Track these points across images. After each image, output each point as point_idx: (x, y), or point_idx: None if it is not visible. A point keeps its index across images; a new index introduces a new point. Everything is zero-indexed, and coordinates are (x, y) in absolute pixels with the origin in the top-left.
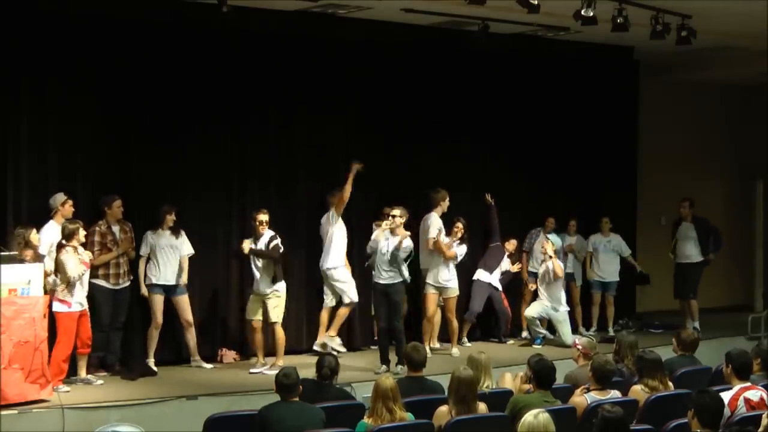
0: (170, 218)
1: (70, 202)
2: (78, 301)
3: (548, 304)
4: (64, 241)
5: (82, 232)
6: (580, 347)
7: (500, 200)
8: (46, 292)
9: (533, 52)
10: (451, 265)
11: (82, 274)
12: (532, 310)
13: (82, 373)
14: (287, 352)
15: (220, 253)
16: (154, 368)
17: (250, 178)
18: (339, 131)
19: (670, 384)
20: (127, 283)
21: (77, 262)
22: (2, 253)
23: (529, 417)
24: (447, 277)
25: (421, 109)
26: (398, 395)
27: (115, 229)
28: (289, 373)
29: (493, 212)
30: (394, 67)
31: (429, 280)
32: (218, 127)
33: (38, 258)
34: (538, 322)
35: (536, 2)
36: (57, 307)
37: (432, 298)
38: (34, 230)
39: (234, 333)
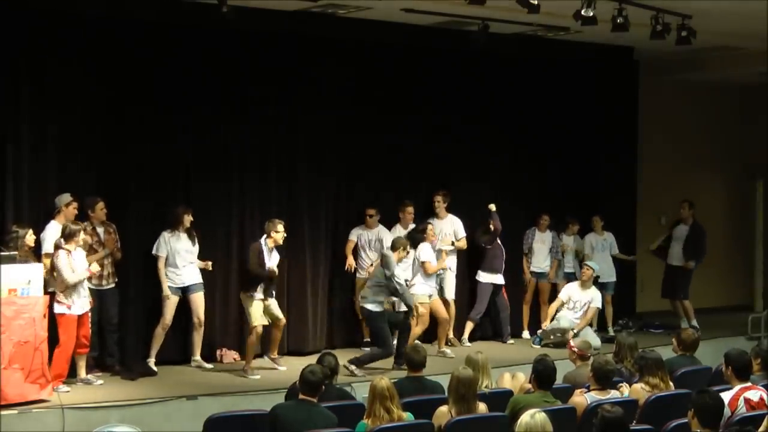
0: (188, 218)
1: (75, 204)
2: (79, 303)
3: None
4: (62, 241)
5: (82, 236)
6: (575, 349)
7: (500, 200)
8: (46, 292)
9: (533, 52)
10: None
11: (81, 280)
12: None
13: (82, 373)
14: (292, 353)
15: (220, 253)
16: (155, 368)
17: (251, 178)
18: (339, 131)
19: (671, 383)
20: (112, 285)
21: (71, 267)
22: (2, 253)
23: (526, 417)
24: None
25: (421, 109)
26: (395, 394)
27: (100, 230)
28: (315, 370)
29: (495, 217)
30: (395, 67)
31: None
32: (218, 127)
33: (36, 258)
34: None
35: (536, 2)
36: (58, 308)
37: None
38: (31, 230)
39: (234, 333)
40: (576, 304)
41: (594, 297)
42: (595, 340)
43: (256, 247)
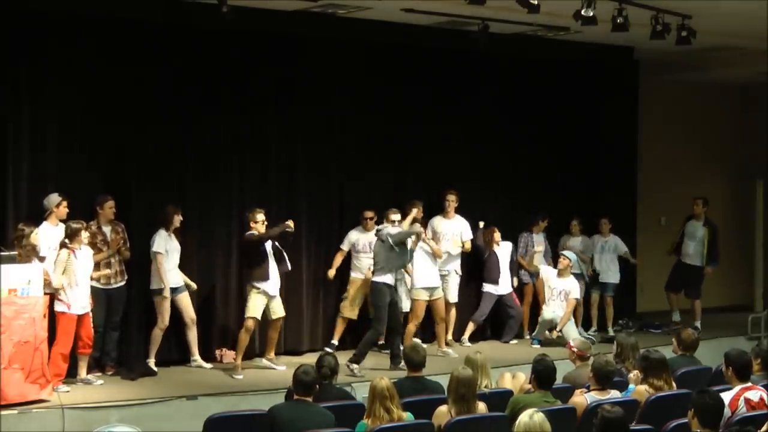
0: (177, 218)
1: (65, 203)
2: (79, 303)
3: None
4: (67, 241)
5: (84, 234)
6: (575, 349)
7: (499, 200)
8: (47, 293)
9: (533, 52)
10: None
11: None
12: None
13: (82, 373)
14: (289, 352)
15: (220, 252)
16: (154, 368)
17: (251, 177)
18: (339, 131)
19: (673, 383)
20: (121, 283)
21: (71, 268)
22: (2, 253)
23: (524, 417)
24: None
25: (421, 109)
26: (395, 394)
27: (106, 229)
28: (308, 370)
29: (478, 234)
30: (394, 67)
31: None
32: (218, 127)
33: (38, 258)
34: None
35: (536, 2)
36: (58, 307)
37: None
38: (37, 230)
39: (234, 333)
40: (553, 291)
41: (572, 288)
42: (575, 335)
43: (249, 235)
